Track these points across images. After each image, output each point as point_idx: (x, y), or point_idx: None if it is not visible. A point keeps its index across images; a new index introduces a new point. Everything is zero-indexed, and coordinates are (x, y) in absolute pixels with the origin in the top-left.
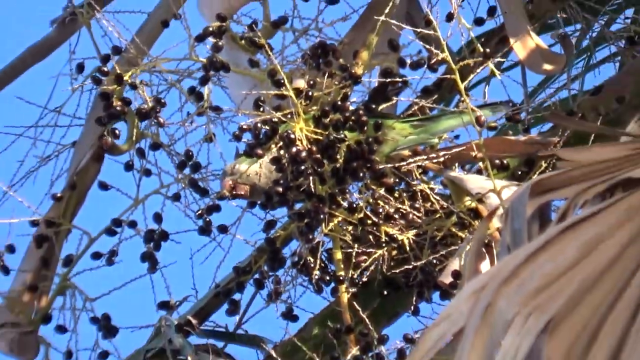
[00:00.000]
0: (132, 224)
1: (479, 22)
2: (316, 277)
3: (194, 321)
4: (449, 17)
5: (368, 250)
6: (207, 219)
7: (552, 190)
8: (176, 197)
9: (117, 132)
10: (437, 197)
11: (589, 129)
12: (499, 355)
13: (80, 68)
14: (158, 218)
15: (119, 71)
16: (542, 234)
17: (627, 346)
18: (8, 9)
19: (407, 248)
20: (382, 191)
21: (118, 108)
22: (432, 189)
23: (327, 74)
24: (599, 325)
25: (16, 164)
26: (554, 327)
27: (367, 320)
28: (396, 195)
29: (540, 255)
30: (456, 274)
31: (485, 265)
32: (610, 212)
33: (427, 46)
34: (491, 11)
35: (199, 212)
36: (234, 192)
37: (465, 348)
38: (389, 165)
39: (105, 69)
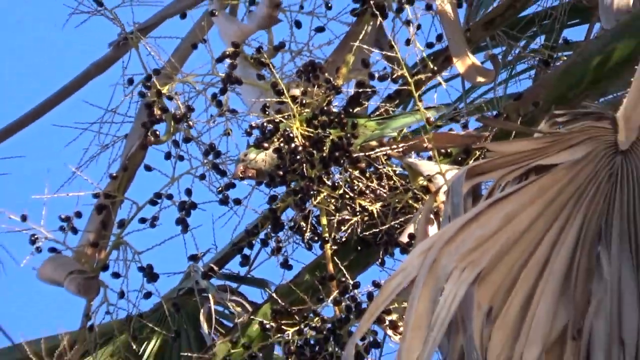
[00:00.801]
0: (169, 197)
1: (429, 45)
2: (307, 237)
3: (215, 268)
4: (407, 42)
5: (346, 218)
6: (225, 194)
7: (482, 174)
8: (202, 177)
9: (157, 132)
10: (398, 177)
11: (510, 127)
12: (441, 299)
13: (130, 81)
14: (188, 192)
15: (159, 87)
16: (474, 207)
17: (537, 294)
18: (73, 35)
19: (376, 215)
20: (356, 173)
21: (157, 116)
22: (394, 171)
23: (315, 85)
24: (516, 277)
25: (82, 150)
26: (482, 278)
27: (345, 270)
28: (367, 176)
29: (473, 223)
30: (411, 236)
31: (432, 229)
32: (525, 191)
33: (390, 64)
34: (439, 37)
35: (220, 188)
36: (245, 174)
37: (416, 293)
38: (362, 154)
39: (149, 84)
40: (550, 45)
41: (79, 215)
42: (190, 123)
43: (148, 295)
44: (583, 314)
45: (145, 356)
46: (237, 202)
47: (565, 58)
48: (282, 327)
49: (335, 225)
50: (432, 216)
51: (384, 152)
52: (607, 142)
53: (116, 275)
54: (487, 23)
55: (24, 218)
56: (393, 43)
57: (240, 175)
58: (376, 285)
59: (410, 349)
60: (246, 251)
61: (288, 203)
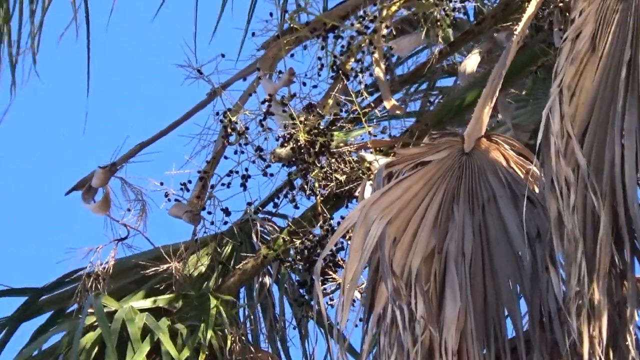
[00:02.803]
0: (237, 172)
1: (370, 93)
2: (307, 193)
3: (260, 208)
4: (360, 92)
5: (327, 183)
6: (265, 170)
7: (393, 165)
8: (253, 162)
9: (229, 139)
10: (354, 162)
11: (409, 140)
12: (369, 234)
13: (217, 113)
14: (247, 170)
15: (230, 116)
16: (389, 183)
17: (419, 230)
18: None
19: (343, 182)
20: (333, 160)
21: (230, 131)
22: (352, 159)
23: (312, 115)
24: (408, 221)
25: (192, 148)
26: (391, 222)
27: (326, 210)
28: (339, 161)
29: (387, 192)
30: (356, 197)
31: (368, 192)
32: (415, 175)
33: (351, 103)
34: (377, 89)
35: (262, 168)
36: (274, 159)
37: (356, 230)
38: (336, 150)
39: (226, 114)
40: (432, 94)
41: (190, 182)
42: (247, 134)
43: (225, 223)
44: (443, 240)
45: (224, 255)
46: (272, 175)
47: (441, 101)
48: (294, 239)
49: (322, 186)
50: (369, 185)
51: (347, 149)
52: (458, 148)
53: (209, 212)
54: (401, 82)
55: (161, 183)
56: (352, 94)
57: (272, 158)
58: (342, 218)
59: (352, 263)
60: (276, 200)
61: (297, 175)
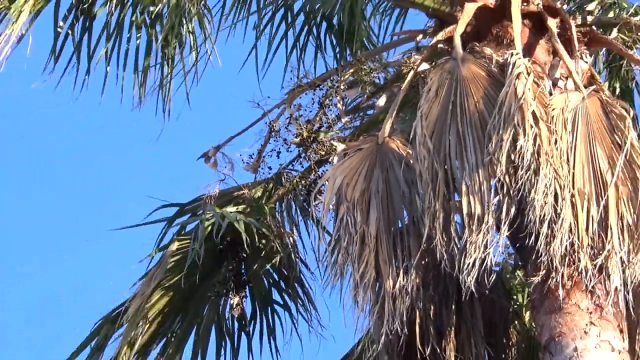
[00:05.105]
0: (274, 150)
1: (338, 115)
2: (307, 158)
3: (285, 167)
4: (336, 109)
5: (317, 155)
6: (288, 149)
7: (347, 150)
8: (282, 145)
9: (272, 135)
10: (329, 146)
11: (352, 137)
12: (336, 181)
13: (266, 123)
14: (279, 149)
15: (272, 124)
16: (344, 159)
17: (358, 181)
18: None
19: (323, 155)
20: (319, 145)
21: (272, 130)
22: (328, 145)
23: (309, 124)
24: (353, 176)
25: (256, 137)
26: (345, 176)
27: (316, 167)
28: (322, 146)
29: (343, 162)
30: (330, 162)
31: (335, 161)
32: (356, 154)
33: (331, 123)
34: (339, 115)
35: (287, 147)
36: (293, 142)
37: (330, 181)
38: (320, 140)
39: (270, 124)
40: (364, 115)
41: (253, 154)
42: (280, 132)
43: (269, 173)
44: (369, 185)
45: (269, 188)
46: (291, 151)
47: (367, 119)
48: (302, 180)
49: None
50: (336, 158)
51: (326, 140)
52: (376, 142)
53: (261, 168)
54: (349, 111)
55: (240, 155)
56: (330, 120)
57: (291, 143)
58: (324, 171)
59: (328, 194)
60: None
61: (302, 152)
